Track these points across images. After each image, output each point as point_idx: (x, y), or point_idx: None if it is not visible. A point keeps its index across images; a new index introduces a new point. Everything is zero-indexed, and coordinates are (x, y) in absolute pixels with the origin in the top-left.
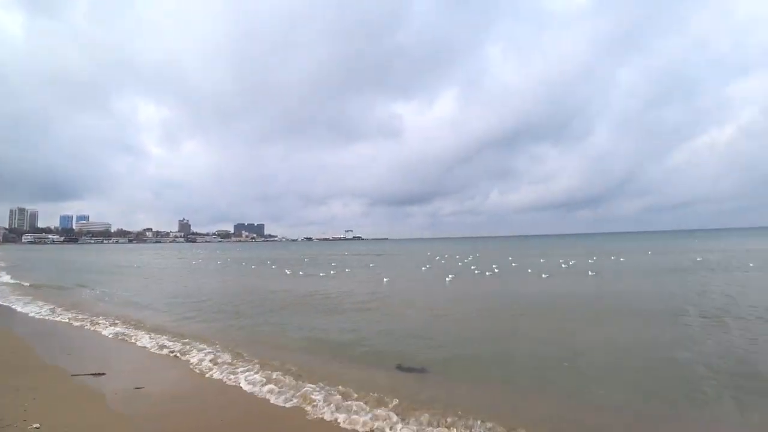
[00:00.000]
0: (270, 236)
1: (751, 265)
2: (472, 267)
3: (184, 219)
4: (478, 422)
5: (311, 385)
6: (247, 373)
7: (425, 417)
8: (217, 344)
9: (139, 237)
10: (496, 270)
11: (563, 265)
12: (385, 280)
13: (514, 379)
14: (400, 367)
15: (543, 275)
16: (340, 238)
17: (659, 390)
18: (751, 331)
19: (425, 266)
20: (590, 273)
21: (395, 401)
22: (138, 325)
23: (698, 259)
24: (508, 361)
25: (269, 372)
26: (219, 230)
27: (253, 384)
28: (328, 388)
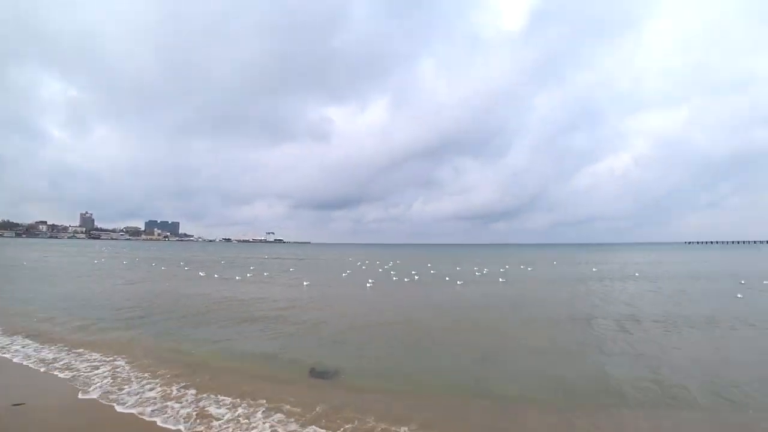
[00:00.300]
0: (185, 236)
1: (636, 275)
2: (392, 273)
3: (87, 213)
4: (382, 425)
5: (213, 399)
6: (141, 390)
7: (325, 422)
8: (113, 356)
9: (30, 231)
10: (416, 277)
11: (477, 273)
12: (305, 284)
13: (424, 382)
14: (313, 372)
15: (458, 282)
16: (260, 241)
17: (565, 386)
18: (639, 331)
19: (346, 272)
20: (501, 280)
21: (298, 409)
22: (22, 334)
23: (594, 269)
24: (421, 365)
25: (166, 388)
26: (128, 227)
27: (145, 403)
28: (232, 400)
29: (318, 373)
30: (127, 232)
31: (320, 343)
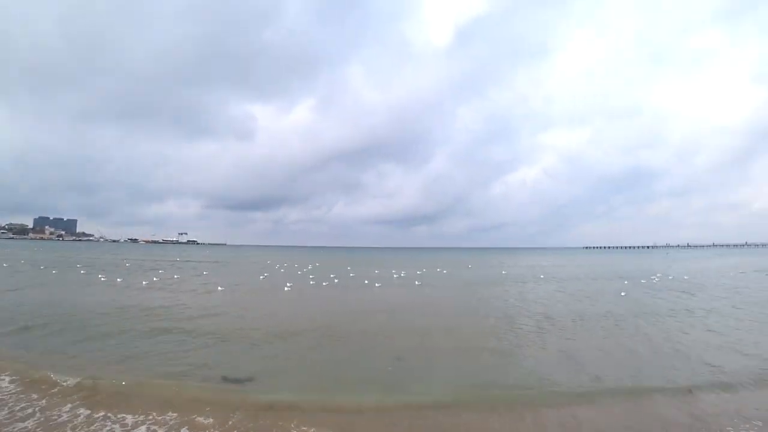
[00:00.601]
0: (84, 235)
1: (541, 276)
2: (311, 277)
3: None
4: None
5: (111, 419)
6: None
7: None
8: None
9: None
10: (335, 280)
11: (395, 276)
12: (219, 289)
13: (341, 386)
14: (226, 381)
15: (376, 285)
16: (172, 242)
17: (473, 381)
18: (545, 327)
19: (263, 275)
20: (417, 283)
21: (210, 420)
22: None
23: (503, 272)
24: (338, 369)
25: (51, 412)
26: (11, 223)
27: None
28: (134, 418)
29: (231, 382)
30: (10, 229)
31: (234, 351)
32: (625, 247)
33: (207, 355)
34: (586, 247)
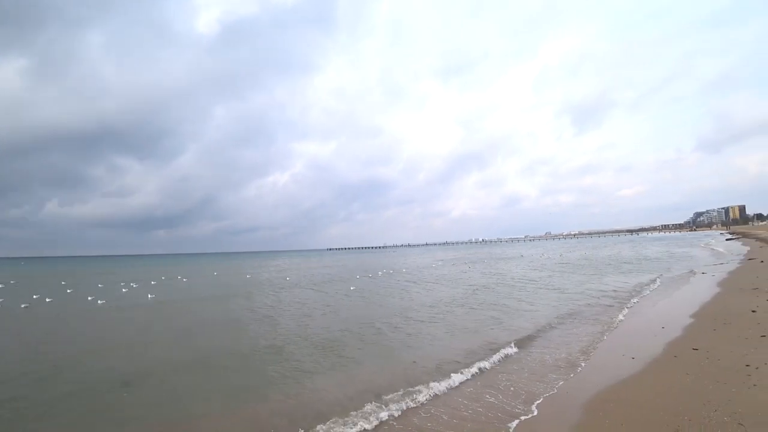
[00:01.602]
0: None
1: (287, 278)
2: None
3: None
4: None
5: None
6: None
7: None
8: None
9: None
10: (47, 300)
11: (124, 289)
12: None
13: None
14: None
15: (99, 302)
16: None
17: (207, 393)
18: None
19: None
20: (149, 296)
21: None
22: None
23: (248, 276)
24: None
25: None
26: None
27: None
28: None
29: None
30: None
31: None
32: (364, 248)
33: None
34: (330, 249)
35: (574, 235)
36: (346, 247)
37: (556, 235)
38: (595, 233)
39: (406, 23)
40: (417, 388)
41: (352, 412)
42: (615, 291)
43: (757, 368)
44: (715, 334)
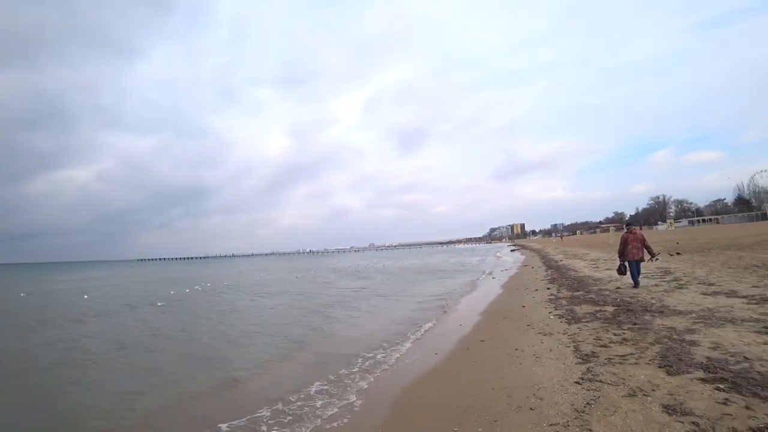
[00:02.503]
0: None
1: (86, 297)
2: None
3: None
4: None
5: None
6: None
7: None
8: None
9: None
10: None
11: None
12: None
13: None
14: None
15: None
16: None
17: None
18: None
19: None
20: None
21: None
22: None
23: (23, 294)
24: None
25: None
26: None
27: None
28: None
29: None
30: None
31: None
32: (182, 258)
33: None
34: (140, 260)
35: (395, 246)
36: (161, 257)
37: (379, 246)
38: (414, 244)
39: (251, 25)
40: None
41: None
42: (432, 297)
43: (522, 350)
44: (496, 327)
